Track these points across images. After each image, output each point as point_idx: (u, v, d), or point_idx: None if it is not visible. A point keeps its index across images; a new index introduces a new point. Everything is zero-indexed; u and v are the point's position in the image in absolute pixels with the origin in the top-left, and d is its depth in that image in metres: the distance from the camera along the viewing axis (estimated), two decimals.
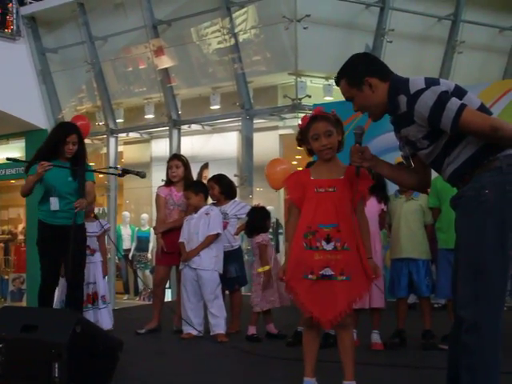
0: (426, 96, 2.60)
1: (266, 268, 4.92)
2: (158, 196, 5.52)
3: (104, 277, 5.39)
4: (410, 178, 2.96)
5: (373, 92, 2.79)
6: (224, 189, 5.46)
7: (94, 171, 4.63)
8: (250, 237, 5.18)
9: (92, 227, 5.28)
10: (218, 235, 5.10)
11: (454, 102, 2.56)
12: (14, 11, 11.73)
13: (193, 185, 5.32)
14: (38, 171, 4.43)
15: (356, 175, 3.02)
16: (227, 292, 5.46)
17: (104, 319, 5.16)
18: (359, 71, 2.81)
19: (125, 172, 4.78)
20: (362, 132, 2.97)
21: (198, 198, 5.13)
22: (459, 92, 2.65)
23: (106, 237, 5.56)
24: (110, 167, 4.90)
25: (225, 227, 5.28)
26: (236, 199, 5.60)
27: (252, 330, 4.97)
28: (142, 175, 5.08)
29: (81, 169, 4.49)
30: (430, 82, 2.65)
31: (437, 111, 2.57)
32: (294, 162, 11.21)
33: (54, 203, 4.59)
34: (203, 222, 5.08)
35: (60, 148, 4.63)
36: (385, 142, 6.25)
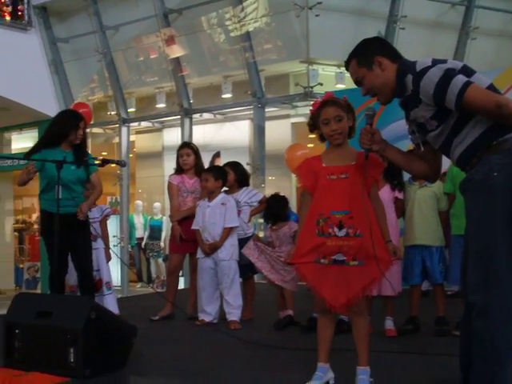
0: (432, 72, 2.59)
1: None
2: (170, 184, 5.53)
3: (107, 262, 5.38)
4: (420, 165, 2.94)
5: (382, 71, 2.78)
6: (239, 176, 5.47)
7: (73, 163, 4.59)
8: (273, 224, 5.18)
9: (93, 213, 5.26)
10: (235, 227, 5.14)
11: (460, 79, 2.54)
12: (26, 1, 11.75)
13: (214, 169, 5.32)
14: (23, 175, 4.40)
15: (365, 157, 3.00)
16: (240, 279, 5.47)
17: (110, 305, 5.16)
18: (370, 51, 2.81)
19: (105, 162, 4.78)
20: (373, 113, 2.96)
21: (216, 183, 5.11)
22: (467, 71, 2.63)
23: (107, 222, 5.54)
24: (90, 158, 4.87)
25: (238, 215, 5.29)
26: (247, 187, 5.60)
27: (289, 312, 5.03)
28: (123, 164, 5.17)
29: (60, 162, 4.29)
30: (437, 61, 2.65)
31: (442, 87, 2.55)
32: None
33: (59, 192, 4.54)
34: (219, 213, 5.08)
35: (69, 135, 4.62)
36: (397, 130, 6.21)
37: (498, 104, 2.47)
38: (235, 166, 5.53)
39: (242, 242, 5.20)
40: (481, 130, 2.58)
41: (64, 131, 4.65)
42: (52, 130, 4.71)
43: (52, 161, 4.38)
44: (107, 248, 5.46)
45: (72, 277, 5.01)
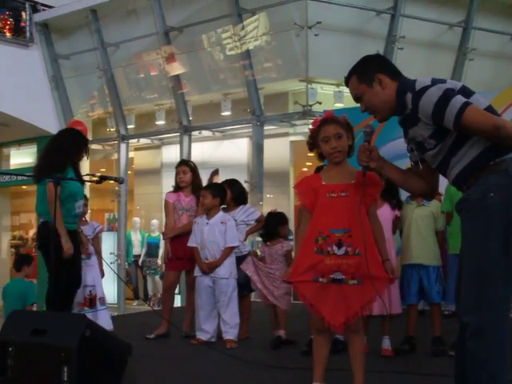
0: (431, 92, 2.59)
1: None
2: (166, 202, 5.54)
3: (102, 277, 5.40)
4: (417, 183, 2.93)
5: (382, 89, 2.79)
6: (236, 194, 5.46)
7: (71, 179, 4.62)
8: (268, 240, 5.18)
9: (85, 230, 5.29)
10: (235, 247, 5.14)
11: (459, 99, 2.54)
12: (28, 18, 11.84)
13: (212, 186, 5.32)
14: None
15: (363, 175, 3.01)
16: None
17: (103, 321, 5.14)
18: (370, 68, 2.82)
19: (102, 178, 4.79)
20: (371, 131, 2.97)
21: (214, 200, 5.10)
22: (465, 92, 2.63)
23: (100, 238, 5.56)
24: (87, 174, 4.90)
25: None
26: (245, 205, 5.59)
27: (280, 333, 5.01)
28: (120, 181, 5.20)
29: (58, 179, 4.26)
30: (437, 80, 2.65)
31: (440, 107, 2.55)
32: (305, 169, 11.22)
33: (79, 207, 4.75)
34: (219, 231, 5.06)
35: (81, 157, 4.82)
36: (395, 148, 6.22)
37: (496, 126, 2.48)
38: (232, 183, 5.51)
39: (238, 260, 5.19)
40: (478, 151, 2.58)
41: (79, 153, 4.81)
42: (70, 149, 4.78)
43: (50, 177, 4.39)
44: (100, 264, 5.48)
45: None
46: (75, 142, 4.87)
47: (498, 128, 2.47)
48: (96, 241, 5.48)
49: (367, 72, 2.81)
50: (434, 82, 2.64)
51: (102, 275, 5.45)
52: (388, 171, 2.95)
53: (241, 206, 5.47)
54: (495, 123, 2.49)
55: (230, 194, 5.38)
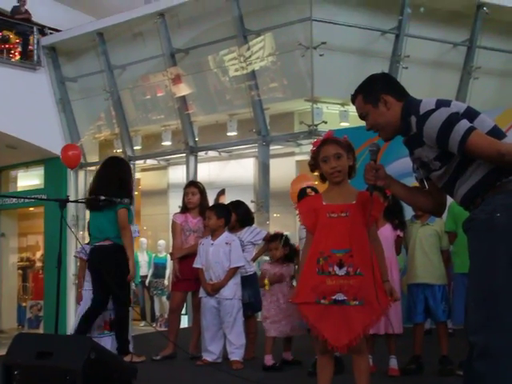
0: (435, 117, 2.59)
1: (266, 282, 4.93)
2: (173, 222, 5.53)
3: None
4: (425, 200, 2.94)
5: (387, 109, 2.80)
6: (241, 216, 5.44)
7: (77, 201, 4.72)
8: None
9: None
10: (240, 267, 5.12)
11: (463, 125, 2.53)
12: (35, 42, 11.97)
13: (217, 207, 5.31)
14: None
15: (370, 194, 3.01)
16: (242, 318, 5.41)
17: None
18: (376, 88, 2.83)
19: (108, 201, 4.84)
20: (377, 149, 2.98)
21: (218, 221, 5.08)
22: (470, 114, 2.63)
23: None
24: (94, 196, 4.97)
25: None
26: (250, 226, 5.57)
27: (268, 360, 4.89)
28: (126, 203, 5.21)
29: (64, 201, 4.53)
30: (441, 103, 2.64)
31: (444, 133, 2.55)
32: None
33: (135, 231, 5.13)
34: (223, 252, 5.05)
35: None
36: (401, 167, 6.21)
37: (501, 152, 2.48)
38: (237, 206, 5.48)
39: (243, 280, 5.16)
40: (484, 172, 2.58)
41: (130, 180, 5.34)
42: (127, 177, 5.24)
43: (55, 199, 4.44)
44: None
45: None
46: (128, 170, 5.43)
47: (502, 155, 2.48)
48: None
49: (373, 92, 2.83)
50: (439, 105, 2.63)
51: None
52: (395, 189, 2.97)
53: (247, 227, 5.46)
54: (499, 150, 2.49)
55: (234, 217, 5.37)
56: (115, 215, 4.96)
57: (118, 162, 5.39)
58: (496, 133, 2.62)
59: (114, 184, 5.02)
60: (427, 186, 2.89)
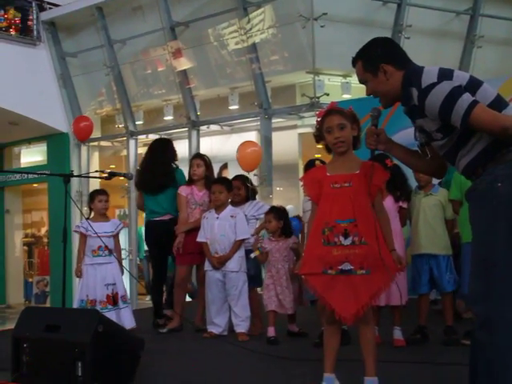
0: (437, 91, 2.56)
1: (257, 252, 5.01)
2: (179, 195, 5.53)
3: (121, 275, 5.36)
4: (427, 163, 2.93)
5: (387, 79, 2.77)
6: (249, 191, 5.46)
7: (81, 176, 4.74)
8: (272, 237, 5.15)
9: (107, 227, 5.30)
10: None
11: (466, 99, 2.51)
12: (34, 17, 11.87)
13: (226, 181, 5.32)
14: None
15: (371, 158, 3.01)
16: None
17: (126, 319, 5.16)
18: (376, 56, 2.80)
19: (112, 175, 4.86)
20: (378, 114, 2.97)
21: (229, 195, 5.15)
22: (473, 85, 2.60)
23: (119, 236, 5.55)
24: (97, 171, 5.07)
25: None
26: (253, 200, 5.57)
27: (271, 332, 4.92)
28: (130, 177, 5.29)
29: (68, 175, 4.60)
30: (443, 75, 2.60)
31: (447, 107, 2.53)
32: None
33: None
34: (229, 225, 5.08)
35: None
36: (407, 137, 6.18)
37: (504, 127, 2.46)
38: (246, 180, 5.51)
39: (247, 254, 5.18)
40: (486, 142, 2.57)
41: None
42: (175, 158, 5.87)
43: (59, 174, 4.44)
44: (120, 262, 5.43)
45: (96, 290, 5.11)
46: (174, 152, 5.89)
47: (505, 129, 2.46)
48: (116, 238, 5.43)
49: (372, 60, 2.79)
50: (441, 77, 2.59)
51: (122, 273, 5.38)
52: (396, 152, 2.97)
53: (249, 201, 5.47)
54: (503, 124, 2.47)
55: (244, 191, 5.37)
56: (174, 193, 5.56)
57: (165, 145, 5.97)
58: (498, 102, 2.60)
59: (170, 166, 5.74)
60: (429, 155, 2.88)
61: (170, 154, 5.81)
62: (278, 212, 5.05)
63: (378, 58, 2.79)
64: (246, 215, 5.31)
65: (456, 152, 2.67)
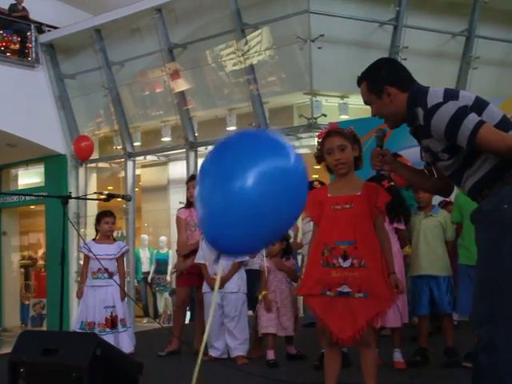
0: (443, 111, 2.54)
1: (263, 293, 4.87)
2: (178, 218, 5.52)
3: (122, 300, 5.33)
4: (433, 182, 2.93)
5: (391, 101, 2.77)
6: None
7: (79, 198, 4.72)
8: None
9: (111, 249, 5.30)
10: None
11: (472, 119, 2.49)
12: (33, 39, 11.94)
13: None
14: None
15: (377, 179, 3.01)
16: (252, 313, 5.38)
17: (124, 343, 5.13)
18: (380, 78, 2.79)
19: (110, 197, 4.83)
20: (383, 135, 2.96)
21: None
22: (479, 105, 2.59)
23: (124, 259, 5.52)
24: (95, 192, 5.03)
25: None
26: None
27: (270, 355, 4.87)
28: (128, 198, 5.22)
29: (66, 198, 4.51)
30: (449, 95, 2.59)
31: (453, 128, 2.51)
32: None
33: None
34: None
35: None
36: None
37: (510, 148, 2.45)
38: None
39: (257, 274, 5.09)
40: (492, 163, 2.55)
41: None
42: None
43: (57, 196, 4.43)
44: (122, 285, 5.39)
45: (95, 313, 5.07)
46: None
47: (511, 149, 2.46)
48: (120, 260, 5.42)
49: (377, 82, 2.79)
50: (447, 97, 2.58)
51: (124, 297, 5.32)
52: (402, 172, 2.97)
53: None
54: (510, 144, 2.46)
55: None
56: None
57: None
58: (505, 123, 2.59)
59: None
60: (436, 175, 2.86)
61: None
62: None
63: (382, 79, 2.78)
64: None
65: (462, 173, 2.65)
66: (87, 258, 5.29)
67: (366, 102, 2.89)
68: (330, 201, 3.19)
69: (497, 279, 2.45)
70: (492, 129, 2.51)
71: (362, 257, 3.06)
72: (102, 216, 5.42)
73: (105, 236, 5.37)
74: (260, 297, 4.90)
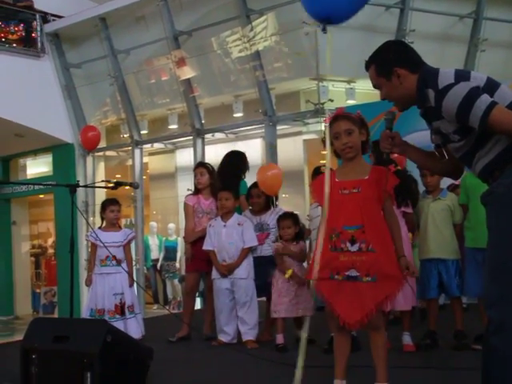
0: (455, 92, 2.52)
1: (290, 271, 4.82)
2: (186, 205, 5.54)
3: (131, 286, 5.35)
4: (442, 164, 2.92)
5: (401, 83, 2.74)
6: (269, 199, 5.41)
7: (87, 186, 4.73)
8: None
9: (117, 237, 5.32)
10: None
11: (484, 100, 2.47)
12: (38, 29, 11.93)
13: (233, 189, 5.30)
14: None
15: (385, 161, 3.00)
16: (265, 298, 5.37)
17: (132, 329, 5.16)
18: (389, 60, 2.76)
19: (118, 184, 4.84)
20: (392, 117, 2.95)
21: (235, 202, 5.15)
22: (491, 86, 2.57)
23: (130, 246, 5.55)
24: (103, 181, 5.04)
25: (266, 237, 5.25)
26: (274, 208, 5.50)
27: (279, 339, 4.89)
28: (135, 186, 5.25)
29: (74, 186, 4.54)
30: (460, 76, 2.57)
31: (465, 109, 2.49)
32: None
33: None
34: (236, 232, 5.08)
35: None
36: (413, 142, 6.16)
37: None
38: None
39: (270, 260, 5.08)
40: (505, 145, 2.53)
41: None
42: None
43: (65, 185, 4.45)
44: (130, 272, 5.41)
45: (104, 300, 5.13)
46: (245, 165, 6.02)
47: None
48: (127, 248, 5.44)
49: (386, 65, 2.76)
50: (458, 78, 2.56)
51: (131, 283, 5.34)
52: (412, 154, 2.95)
53: (271, 210, 5.40)
54: None
55: (264, 199, 5.34)
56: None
57: (237, 157, 6.11)
58: None
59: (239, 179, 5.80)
60: (446, 156, 2.85)
61: (242, 167, 5.96)
62: (295, 217, 5.02)
63: (391, 61, 2.75)
64: (268, 224, 5.27)
65: (473, 154, 2.64)
66: (94, 246, 5.32)
67: (375, 86, 2.87)
68: (337, 185, 3.18)
69: (508, 261, 2.43)
70: (505, 110, 2.49)
71: (370, 241, 3.06)
72: (107, 204, 5.43)
73: (111, 224, 5.40)
74: (287, 276, 4.79)
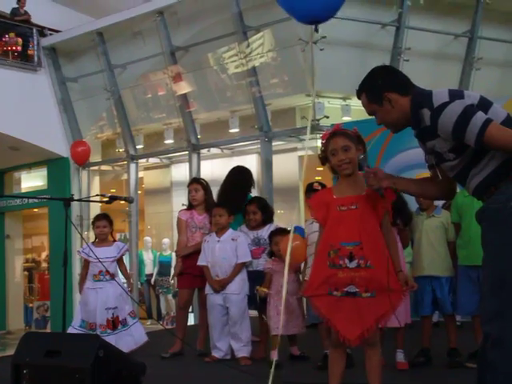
0: (450, 109, 2.55)
1: (264, 289, 4.86)
2: (179, 219, 5.54)
3: (131, 291, 5.41)
4: (434, 188, 2.93)
5: (393, 107, 2.77)
6: (266, 215, 5.38)
7: (82, 200, 4.72)
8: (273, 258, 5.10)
9: (110, 252, 5.31)
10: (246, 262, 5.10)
11: (479, 117, 2.50)
12: (35, 43, 11.97)
13: (228, 204, 5.29)
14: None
15: (381, 196, 3.02)
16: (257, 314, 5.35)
17: (138, 334, 5.26)
18: (377, 86, 2.79)
19: (112, 199, 4.83)
20: (363, 157, 3.00)
21: (229, 218, 5.12)
22: (484, 104, 2.60)
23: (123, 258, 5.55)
24: (98, 195, 5.06)
25: (263, 251, 5.24)
26: (271, 223, 5.47)
27: (274, 356, 4.85)
28: (130, 200, 5.25)
29: (68, 200, 4.51)
30: (454, 95, 2.60)
31: (461, 126, 2.52)
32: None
33: None
34: (230, 248, 5.06)
35: None
36: (407, 159, 6.18)
37: None
38: (263, 205, 5.38)
39: (257, 275, 5.08)
40: (498, 162, 2.56)
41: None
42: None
43: (60, 198, 4.44)
44: (129, 281, 5.55)
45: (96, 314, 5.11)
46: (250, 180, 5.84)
47: None
48: (121, 261, 5.46)
49: (375, 91, 2.80)
50: (452, 97, 2.59)
51: (131, 289, 5.47)
52: (401, 185, 2.96)
53: (268, 225, 5.37)
54: None
55: (260, 216, 5.30)
56: (242, 217, 5.38)
57: (240, 173, 5.93)
58: (510, 122, 2.59)
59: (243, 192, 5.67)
60: (440, 177, 2.86)
61: (248, 183, 5.83)
62: (287, 233, 4.99)
63: (380, 87, 2.78)
64: (265, 239, 5.25)
65: (467, 172, 2.65)
66: (87, 262, 5.32)
67: (370, 113, 2.90)
68: (335, 202, 3.18)
69: (505, 276, 2.45)
70: (500, 127, 2.52)
71: (368, 257, 3.06)
72: (93, 220, 5.52)
73: (100, 240, 5.40)
74: (259, 289, 4.86)
